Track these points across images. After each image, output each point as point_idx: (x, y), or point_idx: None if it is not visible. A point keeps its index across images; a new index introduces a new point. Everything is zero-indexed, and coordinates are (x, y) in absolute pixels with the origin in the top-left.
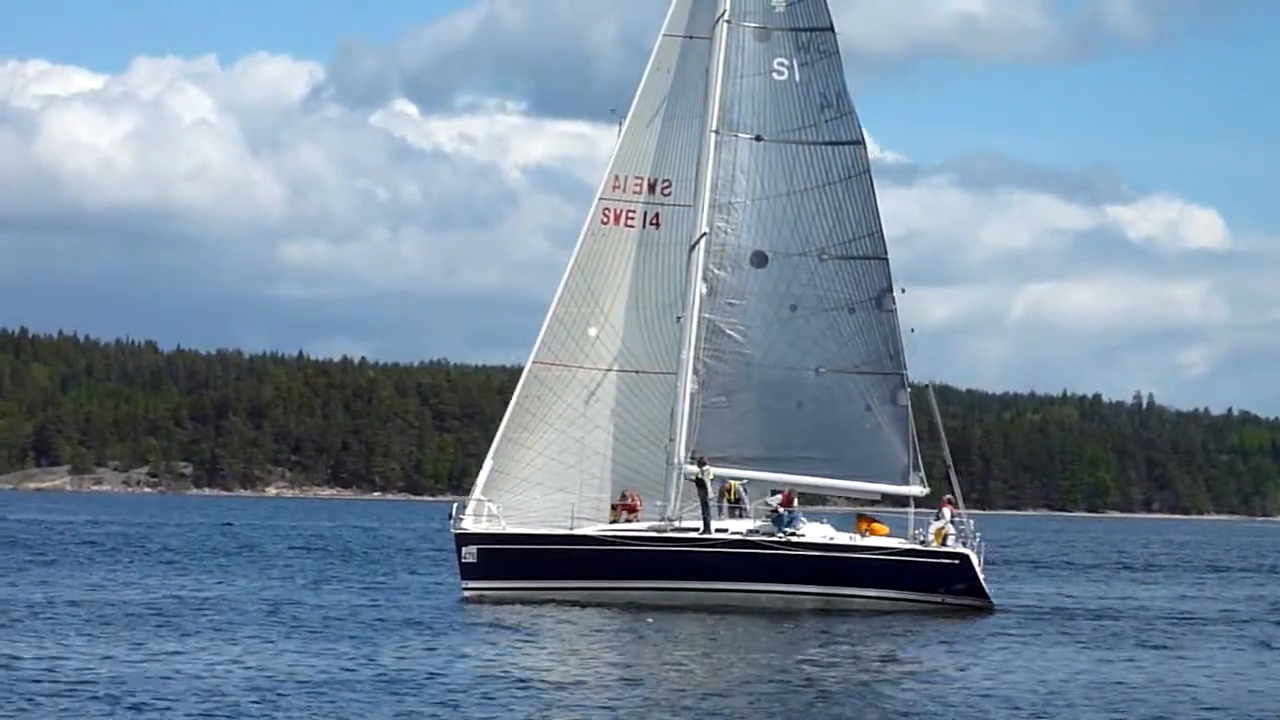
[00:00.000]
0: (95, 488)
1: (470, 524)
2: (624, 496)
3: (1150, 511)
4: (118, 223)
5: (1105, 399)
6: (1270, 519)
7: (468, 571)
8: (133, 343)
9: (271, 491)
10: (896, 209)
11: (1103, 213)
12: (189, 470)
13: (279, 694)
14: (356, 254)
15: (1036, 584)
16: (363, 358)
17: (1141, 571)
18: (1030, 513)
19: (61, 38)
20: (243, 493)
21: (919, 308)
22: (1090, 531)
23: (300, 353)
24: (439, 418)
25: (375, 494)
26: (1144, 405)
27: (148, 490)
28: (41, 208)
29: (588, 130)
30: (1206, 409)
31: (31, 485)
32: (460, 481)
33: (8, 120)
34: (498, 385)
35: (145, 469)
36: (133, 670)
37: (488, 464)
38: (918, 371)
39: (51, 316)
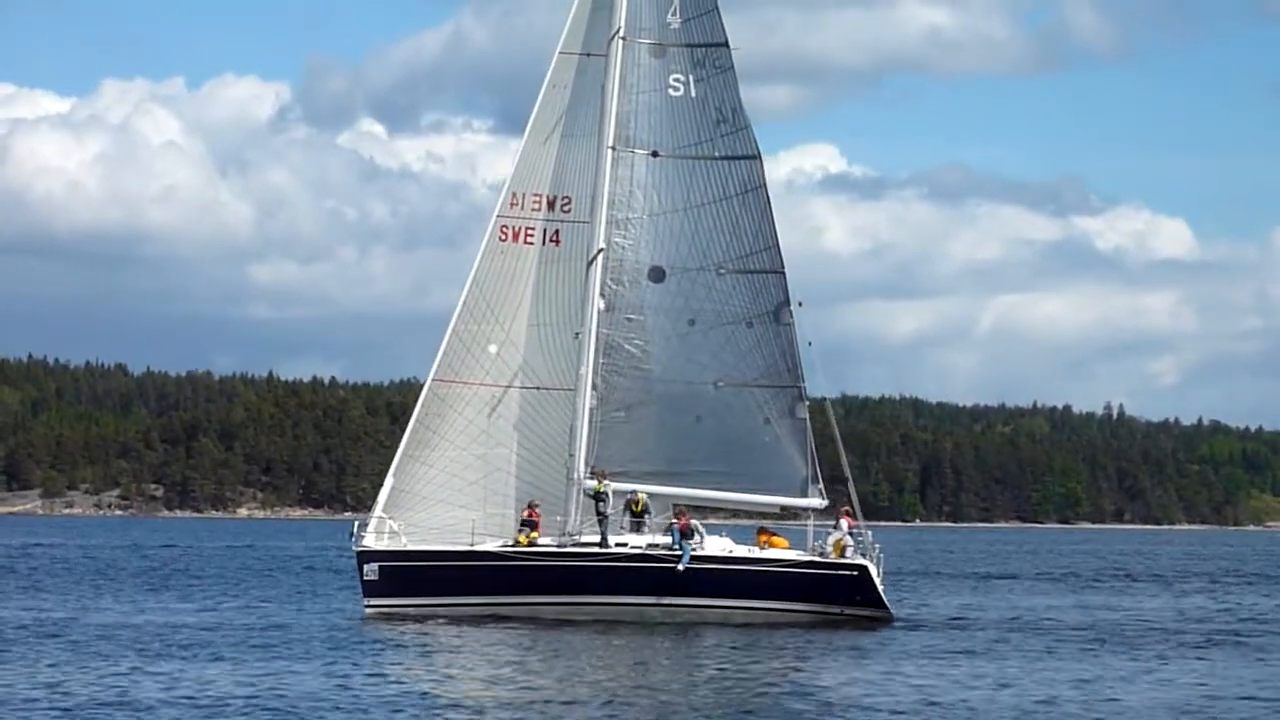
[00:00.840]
0: (66, 511)
1: (371, 542)
2: (530, 507)
3: (1122, 522)
4: (86, 245)
5: (1076, 410)
6: (1242, 528)
7: (370, 589)
8: (102, 365)
9: (243, 513)
10: (865, 222)
11: (1071, 224)
12: (160, 493)
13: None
14: (326, 274)
15: (942, 595)
16: (332, 377)
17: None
18: (1002, 525)
19: (28, 61)
20: (214, 514)
21: (888, 321)
22: (1035, 543)
23: (270, 373)
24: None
25: (347, 514)
26: (1114, 416)
27: (119, 513)
28: (9, 231)
29: None
30: (1177, 419)
31: (2, 509)
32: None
33: None
34: None
35: (116, 492)
36: None
37: (388, 482)
38: (816, 385)
39: (20, 340)
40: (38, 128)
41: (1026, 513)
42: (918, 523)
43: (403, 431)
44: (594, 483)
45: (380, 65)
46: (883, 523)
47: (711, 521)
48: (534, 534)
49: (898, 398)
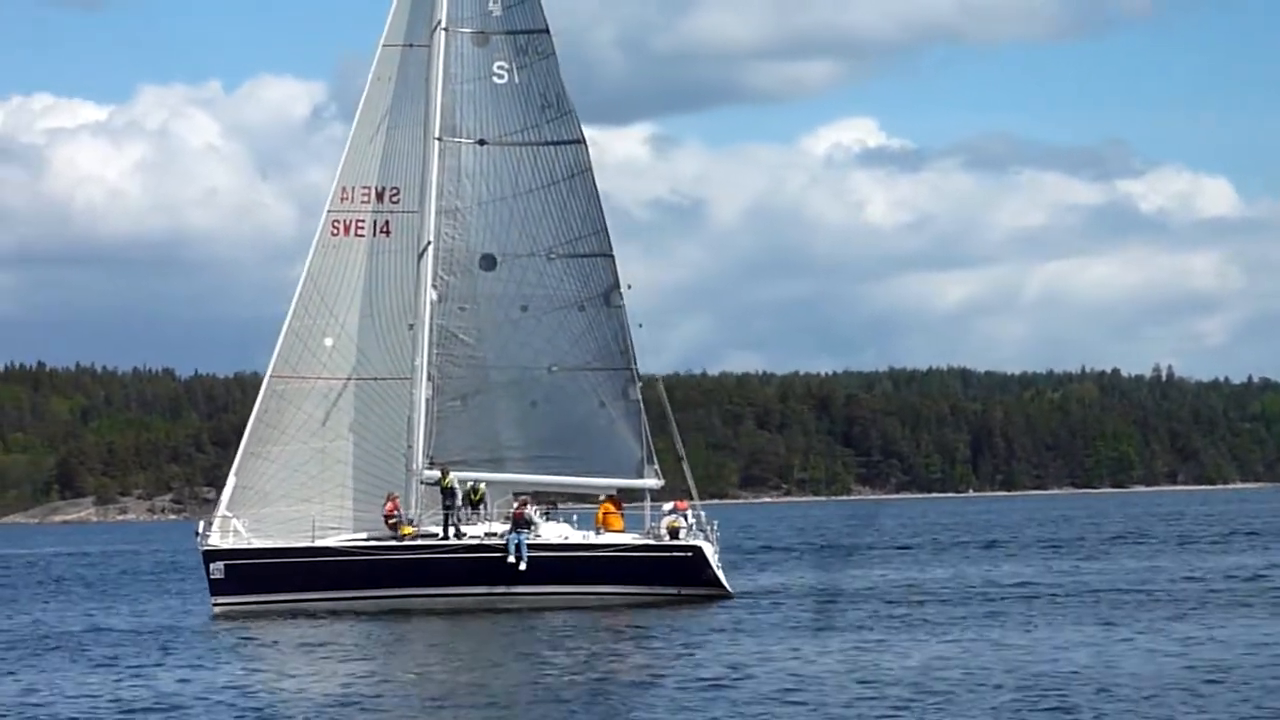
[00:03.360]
0: (120, 517)
1: (216, 540)
2: (391, 499)
3: (1175, 484)
4: (129, 252)
5: (1125, 373)
6: None
7: (216, 588)
8: (150, 371)
9: None
10: (907, 194)
11: (1114, 187)
12: (213, 495)
13: None
14: None
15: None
16: None
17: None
18: (1055, 491)
19: (65, 71)
20: None
21: (933, 292)
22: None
23: None
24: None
25: None
26: (1164, 377)
27: (172, 516)
28: (53, 242)
29: (594, 134)
30: (1227, 378)
31: (57, 518)
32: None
33: (15, 156)
34: None
35: (169, 496)
36: None
37: (231, 480)
38: (646, 364)
39: (68, 349)
40: (77, 136)
41: (1080, 478)
42: (971, 493)
43: None
44: (436, 472)
45: None
46: (934, 494)
47: (574, 506)
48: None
49: (946, 368)
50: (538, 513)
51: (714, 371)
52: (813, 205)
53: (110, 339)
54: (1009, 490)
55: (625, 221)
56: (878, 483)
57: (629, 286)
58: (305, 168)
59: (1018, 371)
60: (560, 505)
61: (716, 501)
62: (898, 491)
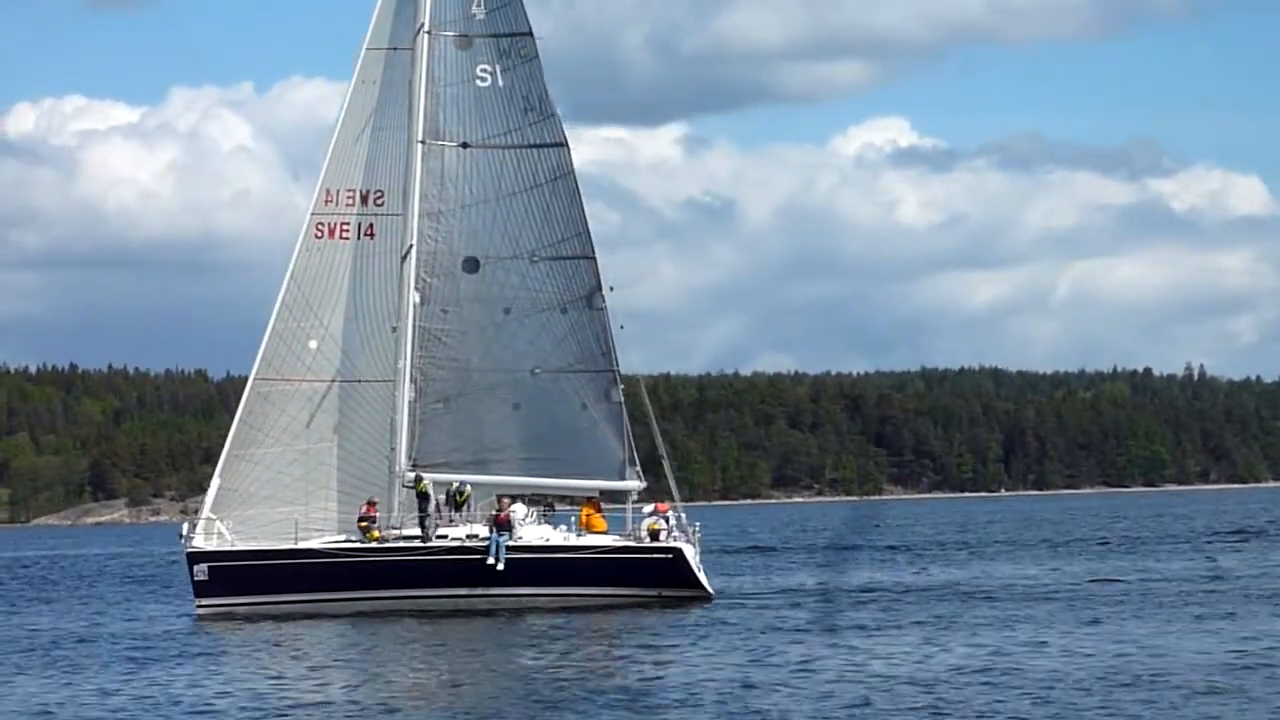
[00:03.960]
0: (153, 519)
1: (200, 542)
2: (369, 504)
3: (1207, 483)
4: (161, 253)
5: (1156, 372)
6: None
7: (200, 589)
8: (182, 372)
9: None
10: (938, 194)
11: (1145, 186)
12: None
13: None
14: None
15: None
16: None
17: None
18: (1088, 491)
19: (97, 73)
20: None
21: (965, 291)
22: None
23: None
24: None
25: None
26: (1195, 376)
27: None
28: (85, 243)
29: (625, 135)
30: (1259, 376)
31: (89, 519)
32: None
33: (48, 158)
34: None
35: (201, 497)
36: None
37: (215, 482)
38: (628, 363)
39: (101, 351)
40: (109, 138)
41: (1112, 477)
42: (1003, 493)
43: None
44: (412, 478)
45: None
46: (966, 494)
47: (566, 509)
48: (374, 532)
49: (978, 368)
50: (535, 514)
51: (746, 372)
52: (844, 205)
53: (142, 340)
54: (1041, 490)
55: (657, 222)
56: (910, 483)
57: (611, 289)
58: None
59: (1050, 371)
60: (558, 508)
61: (750, 502)
62: (930, 491)
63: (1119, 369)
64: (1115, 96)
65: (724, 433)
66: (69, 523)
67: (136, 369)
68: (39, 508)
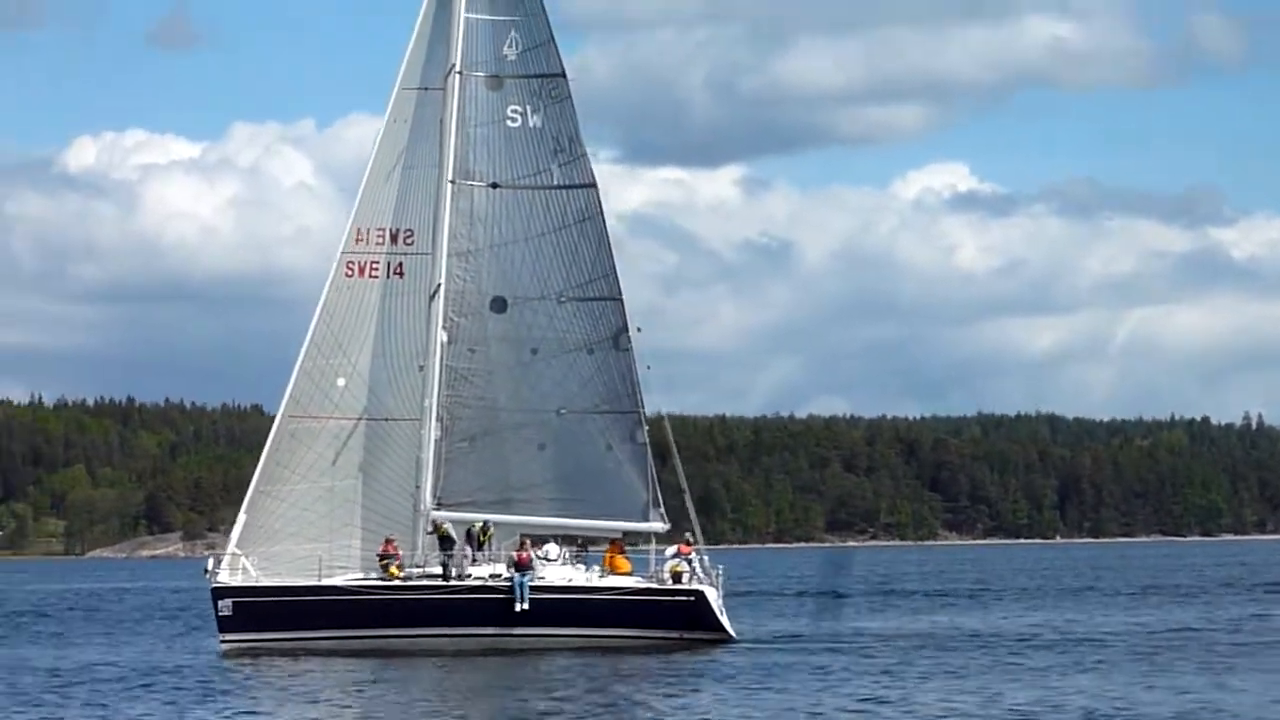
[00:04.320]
0: (207, 551)
1: (225, 577)
2: (387, 541)
3: (1264, 533)
4: (220, 289)
5: (1214, 421)
6: None
7: (224, 624)
8: (239, 407)
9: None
10: (997, 239)
11: (1205, 234)
12: None
13: None
14: None
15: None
16: None
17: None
18: (1144, 539)
19: (158, 107)
20: None
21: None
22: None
23: None
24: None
25: None
26: (1254, 425)
27: None
28: (144, 277)
29: (684, 176)
30: None
31: (145, 553)
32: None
33: (108, 192)
34: None
35: None
36: None
37: (241, 518)
38: (653, 403)
39: (158, 384)
40: (170, 173)
41: (1168, 526)
42: (1058, 539)
43: None
44: (440, 513)
45: None
46: (1021, 540)
47: (598, 551)
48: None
49: (1034, 414)
50: (568, 555)
51: (801, 414)
52: (902, 249)
53: (199, 375)
54: (1096, 537)
55: (714, 263)
56: (965, 528)
57: (639, 329)
58: None
59: (1107, 418)
60: (591, 549)
61: (801, 544)
62: (984, 537)
63: (1177, 417)
64: (1176, 144)
65: (779, 475)
66: (124, 555)
67: (193, 403)
68: (94, 540)
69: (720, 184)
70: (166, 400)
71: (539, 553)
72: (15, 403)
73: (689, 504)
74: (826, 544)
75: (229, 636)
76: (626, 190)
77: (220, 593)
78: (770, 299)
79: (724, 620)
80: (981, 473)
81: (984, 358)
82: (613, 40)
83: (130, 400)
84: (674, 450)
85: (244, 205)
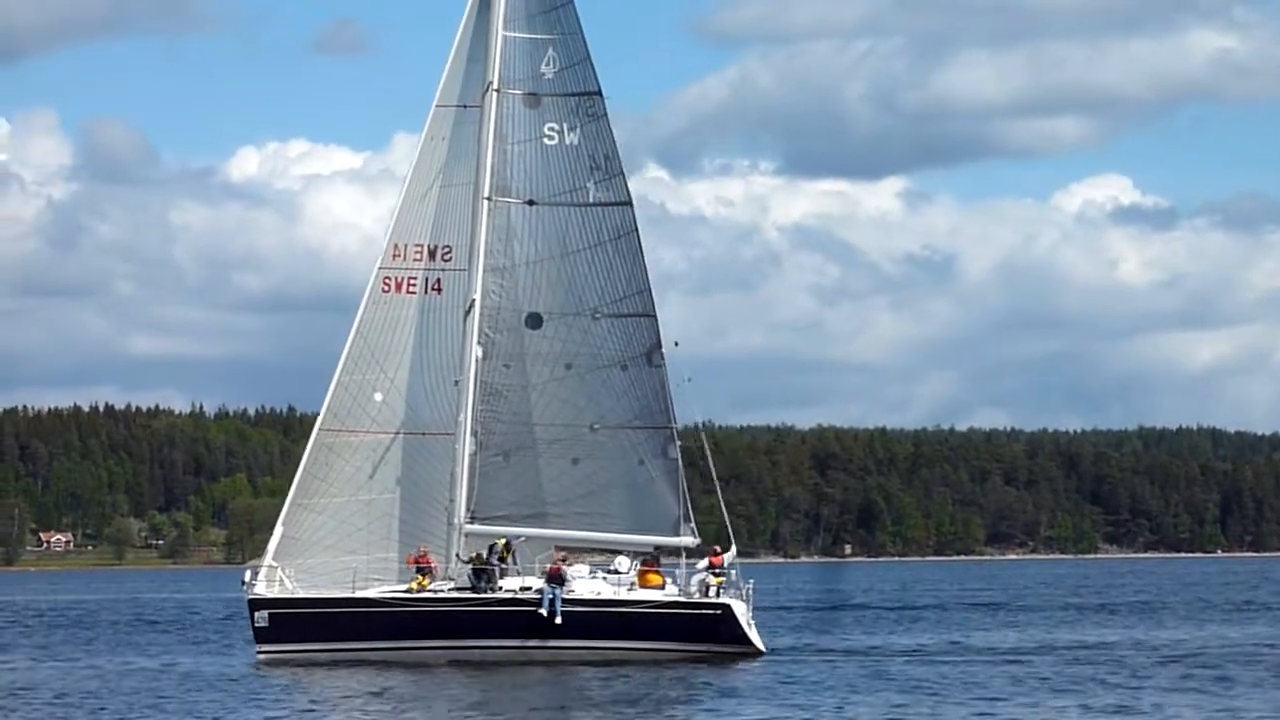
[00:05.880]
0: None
1: (262, 589)
2: (420, 552)
3: None
4: None
5: None
6: None
7: (261, 635)
8: None
9: None
10: (1160, 253)
11: None
12: None
13: None
14: None
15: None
16: None
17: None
18: None
19: (322, 118)
20: None
21: (1185, 351)
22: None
23: None
24: (704, 480)
25: None
26: None
27: None
28: (305, 288)
29: (846, 188)
30: None
31: None
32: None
33: (271, 201)
34: (763, 446)
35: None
36: None
37: (278, 530)
38: (687, 415)
39: (319, 395)
40: (332, 183)
41: None
42: (1219, 553)
43: (698, 474)
44: (479, 533)
45: (665, 111)
46: (1182, 554)
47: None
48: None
49: (1196, 428)
50: (599, 572)
51: (961, 427)
52: (1064, 262)
53: None
54: (1258, 551)
55: (875, 275)
56: (1125, 541)
57: (676, 344)
58: None
59: (1268, 432)
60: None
61: (962, 559)
62: (1145, 551)
63: None
64: None
65: (939, 488)
66: None
67: None
68: (255, 549)
69: (882, 196)
70: None
71: (611, 565)
72: (177, 413)
73: (722, 511)
74: (985, 556)
75: (265, 647)
76: (788, 202)
77: (256, 604)
78: (931, 312)
79: (752, 634)
80: (1142, 486)
81: (1145, 371)
82: (774, 52)
83: (291, 410)
84: (711, 463)
85: None
